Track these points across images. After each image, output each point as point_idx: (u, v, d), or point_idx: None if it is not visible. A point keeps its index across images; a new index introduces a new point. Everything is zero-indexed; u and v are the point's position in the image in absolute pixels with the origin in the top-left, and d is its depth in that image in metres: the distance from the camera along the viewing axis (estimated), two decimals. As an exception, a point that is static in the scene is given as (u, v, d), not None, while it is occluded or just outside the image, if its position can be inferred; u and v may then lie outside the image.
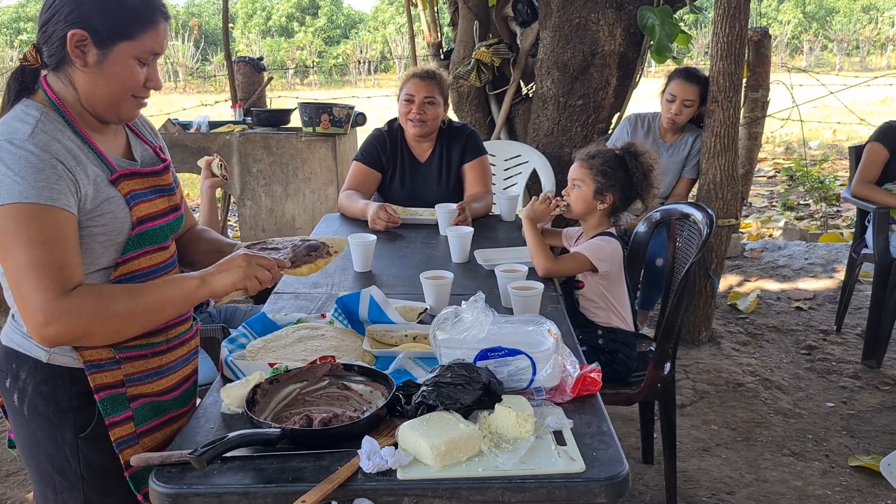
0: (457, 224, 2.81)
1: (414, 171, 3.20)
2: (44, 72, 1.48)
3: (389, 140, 3.20)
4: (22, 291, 1.33)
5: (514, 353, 1.53)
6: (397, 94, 3.19)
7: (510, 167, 4.29)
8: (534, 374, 1.53)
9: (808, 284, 4.81)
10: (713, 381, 3.47)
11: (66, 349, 1.47)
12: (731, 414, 3.18)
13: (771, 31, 4.79)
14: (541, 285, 2.01)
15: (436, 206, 2.92)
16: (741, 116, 3.98)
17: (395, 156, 3.19)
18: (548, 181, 4.10)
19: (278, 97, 10.05)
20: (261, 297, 2.32)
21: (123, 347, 1.51)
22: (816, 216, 6.62)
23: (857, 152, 3.79)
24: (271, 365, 1.65)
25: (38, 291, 1.32)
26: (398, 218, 2.91)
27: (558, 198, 2.51)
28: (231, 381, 1.63)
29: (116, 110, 1.48)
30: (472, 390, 1.43)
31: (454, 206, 2.89)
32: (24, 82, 1.47)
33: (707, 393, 3.36)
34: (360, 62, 26.31)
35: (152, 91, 1.52)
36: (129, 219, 1.49)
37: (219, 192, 5.87)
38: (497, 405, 1.41)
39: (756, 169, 6.59)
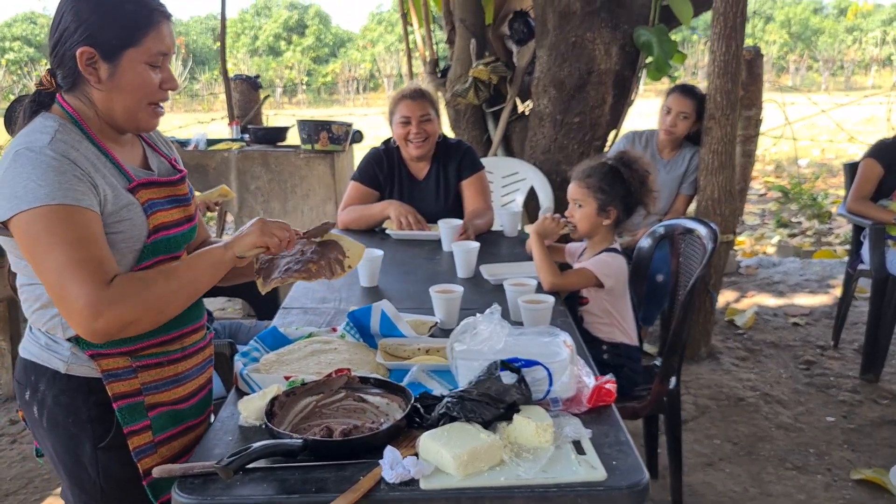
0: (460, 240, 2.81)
1: (412, 188, 3.21)
2: (59, 93, 1.49)
3: (386, 159, 3.21)
4: (65, 290, 1.34)
5: (530, 363, 1.53)
6: (388, 117, 3.19)
7: (508, 184, 4.31)
8: (550, 384, 1.53)
9: (805, 300, 4.84)
10: (714, 396, 3.48)
11: (83, 359, 1.48)
12: (733, 428, 3.20)
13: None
14: (552, 298, 2.02)
15: (439, 222, 2.92)
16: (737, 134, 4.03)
17: (393, 174, 3.20)
18: (546, 198, 4.13)
19: (274, 114, 10.08)
20: (267, 312, 2.32)
21: (140, 356, 1.52)
22: (809, 233, 6.68)
23: (851, 169, 3.84)
24: (287, 378, 1.65)
25: (83, 286, 1.33)
26: (424, 224, 2.99)
27: (565, 218, 2.53)
28: (246, 394, 1.63)
29: (135, 120, 1.50)
30: (494, 408, 1.43)
31: (458, 221, 2.91)
32: (41, 103, 1.49)
33: (708, 408, 3.38)
34: (349, 80, 26.41)
35: (169, 93, 1.54)
36: (146, 227, 1.51)
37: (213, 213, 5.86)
38: (516, 416, 1.42)
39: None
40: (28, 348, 1.53)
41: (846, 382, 3.63)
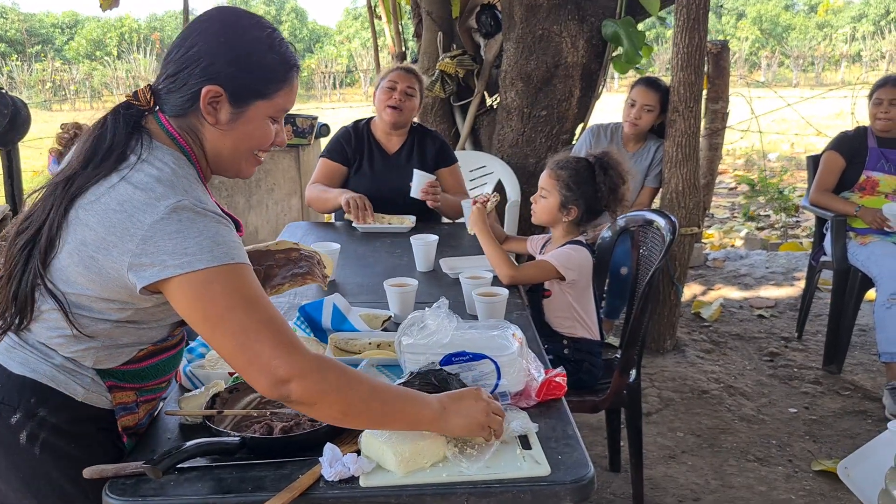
0: (425, 198, 3.03)
1: (383, 161, 3.27)
2: (149, 112, 1.37)
3: (355, 135, 3.28)
4: (254, 357, 1.22)
5: (478, 357, 1.51)
6: (376, 84, 3.29)
7: (475, 177, 4.29)
8: (498, 378, 1.51)
9: (770, 293, 4.87)
10: (678, 389, 3.48)
11: (102, 389, 1.37)
12: (696, 421, 3.20)
13: (730, 47, 4.89)
14: (505, 291, 2.00)
15: (414, 171, 3.06)
16: (702, 127, 4.03)
17: (362, 148, 3.26)
18: (512, 191, 4.11)
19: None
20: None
21: (145, 391, 1.45)
22: (776, 226, 6.74)
23: (814, 161, 3.86)
24: (231, 374, 1.61)
25: (276, 349, 1.22)
26: (371, 215, 2.99)
27: (485, 194, 2.57)
28: (189, 391, 1.59)
29: (237, 167, 1.42)
30: (437, 398, 1.41)
31: (432, 176, 3.07)
32: (129, 121, 1.35)
33: (672, 400, 3.38)
34: (325, 75, 26.24)
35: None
36: None
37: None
38: (462, 410, 1.39)
39: (717, 181, 6.71)
40: (34, 367, 1.34)
41: (809, 374, 3.65)
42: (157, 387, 1.49)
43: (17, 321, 1.34)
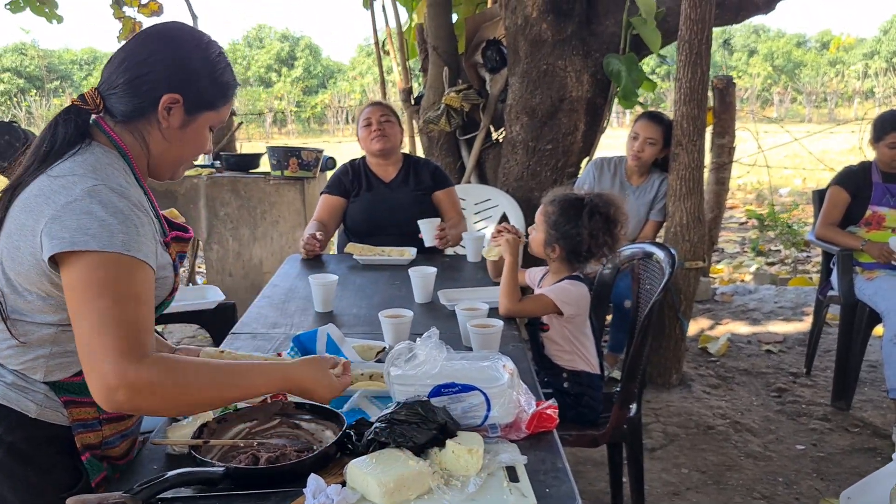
0: (438, 239, 3.12)
1: (380, 188, 3.39)
2: (96, 115, 1.41)
3: (352, 169, 3.43)
4: (95, 349, 1.21)
5: (467, 388, 1.49)
6: (356, 129, 3.46)
7: (480, 210, 4.30)
8: (488, 410, 1.49)
9: (778, 328, 4.82)
10: (683, 425, 3.43)
11: (57, 405, 1.37)
12: (701, 457, 3.15)
13: (741, 84, 4.90)
14: (500, 323, 1.98)
15: (419, 221, 3.14)
16: (708, 161, 4.03)
17: (360, 179, 3.40)
18: (518, 224, 4.11)
19: (264, 144, 10.10)
20: (218, 336, 2.28)
21: None
22: (786, 261, 6.69)
23: (819, 196, 3.84)
24: (221, 404, 1.60)
25: (113, 352, 1.20)
26: (320, 244, 3.08)
27: (510, 225, 2.57)
28: (177, 420, 1.58)
29: (173, 171, 1.50)
30: (426, 430, 1.39)
31: (437, 220, 3.16)
32: (79, 124, 1.39)
33: (677, 436, 3.33)
34: (338, 111, 26.55)
35: None
36: (172, 285, 1.47)
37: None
38: (447, 441, 1.37)
39: (728, 216, 6.68)
40: None
41: (817, 410, 3.59)
42: None
43: None
